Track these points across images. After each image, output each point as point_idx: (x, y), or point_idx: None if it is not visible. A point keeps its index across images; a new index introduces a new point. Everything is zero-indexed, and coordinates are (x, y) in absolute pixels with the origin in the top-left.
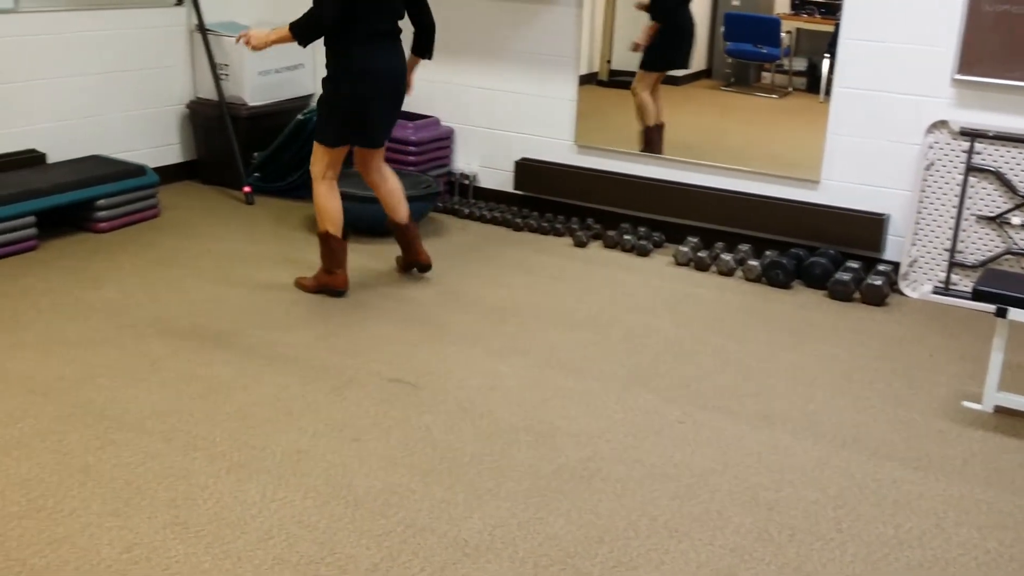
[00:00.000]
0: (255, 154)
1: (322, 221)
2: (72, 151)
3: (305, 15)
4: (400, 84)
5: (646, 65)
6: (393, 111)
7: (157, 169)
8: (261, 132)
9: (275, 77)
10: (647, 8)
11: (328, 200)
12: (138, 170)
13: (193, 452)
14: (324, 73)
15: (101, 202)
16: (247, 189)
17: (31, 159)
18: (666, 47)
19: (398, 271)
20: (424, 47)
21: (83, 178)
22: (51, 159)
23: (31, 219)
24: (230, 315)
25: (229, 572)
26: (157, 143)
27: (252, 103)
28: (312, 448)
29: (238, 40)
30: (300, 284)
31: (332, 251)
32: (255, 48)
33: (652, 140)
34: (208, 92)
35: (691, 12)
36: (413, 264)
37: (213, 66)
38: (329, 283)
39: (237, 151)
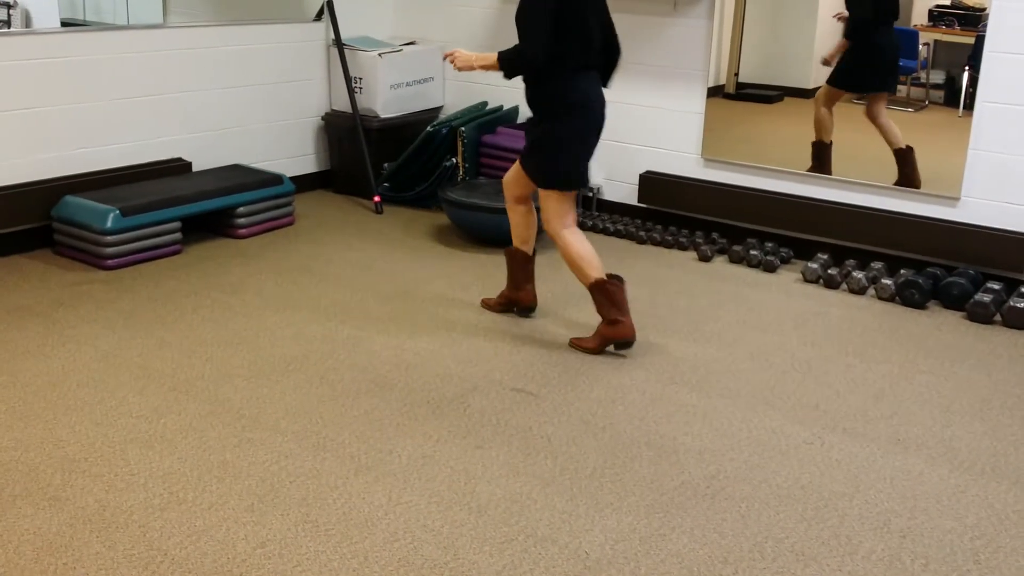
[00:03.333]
0: (385, 165)
1: (586, 271)
2: (215, 160)
3: (514, 49)
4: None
5: (830, 80)
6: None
7: (293, 178)
8: (392, 143)
9: (406, 90)
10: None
11: (580, 245)
12: (276, 179)
13: (323, 453)
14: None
15: (241, 209)
16: (377, 199)
17: (178, 167)
18: (854, 66)
19: (493, 308)
20: (607, 76)
21: (225, 186)
22: (196, 167)
23: (177, 224)
24: (357, 321)
25: (356, 571)
26: (294, 153)
27: (384, 115)
28: (436, 453)
29: (445, 58)
30: (579, 346)
31: (610, 296)
32: (460, 68)
33: (820, 156)
34: (343, 104)
35: (893, 32)
36: (517, 301)
37: (348, 79)
38: (616, 335)
39: (368, 162)
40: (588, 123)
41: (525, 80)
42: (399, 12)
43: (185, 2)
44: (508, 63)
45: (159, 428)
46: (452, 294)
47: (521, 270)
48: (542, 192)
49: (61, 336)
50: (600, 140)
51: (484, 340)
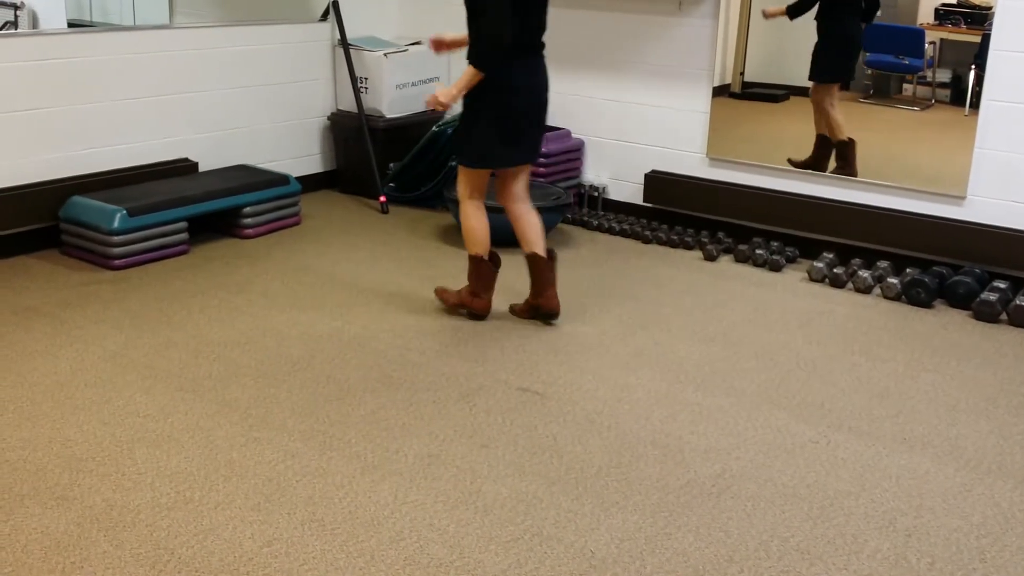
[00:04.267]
0: (391, 165)
1: (471, 243)
2: (221, 160)
3: (480, 42)
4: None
5: (810, 77)
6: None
7: (299, 178)
8: (397, 143)
9: (411, 90)
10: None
11: (476, 220)
12: (282, 179)
13: (330, 452)
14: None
15: (247, 209)
16: (382, 199)
17: (184, 168)
18: (816, 54)
19: (519, 315)
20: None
21: (231, 186)
22: (202, 168)
23: (183, 224)
24: (363, 320)
25: (362, 570)
26: (300, 153)
27: (389, 115)
28: (442, 453)
29: (429, 105)
30: (441, 296)
31: (481, 273)
32: (448, 105)
33: (845, 155)
34: (348, 104)
35: (851, 26)
36: (538, 308)
37: (354, 79)
38: (471, 305)
39: (374, 162)
40: (510, 105)
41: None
42: (404, 12)
43: (191, 3)
44: (481, 59)
45: (166, 428)
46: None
47: (540, 273)
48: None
49: (68, 336)
50: (542, 127)
51: (490, 340)
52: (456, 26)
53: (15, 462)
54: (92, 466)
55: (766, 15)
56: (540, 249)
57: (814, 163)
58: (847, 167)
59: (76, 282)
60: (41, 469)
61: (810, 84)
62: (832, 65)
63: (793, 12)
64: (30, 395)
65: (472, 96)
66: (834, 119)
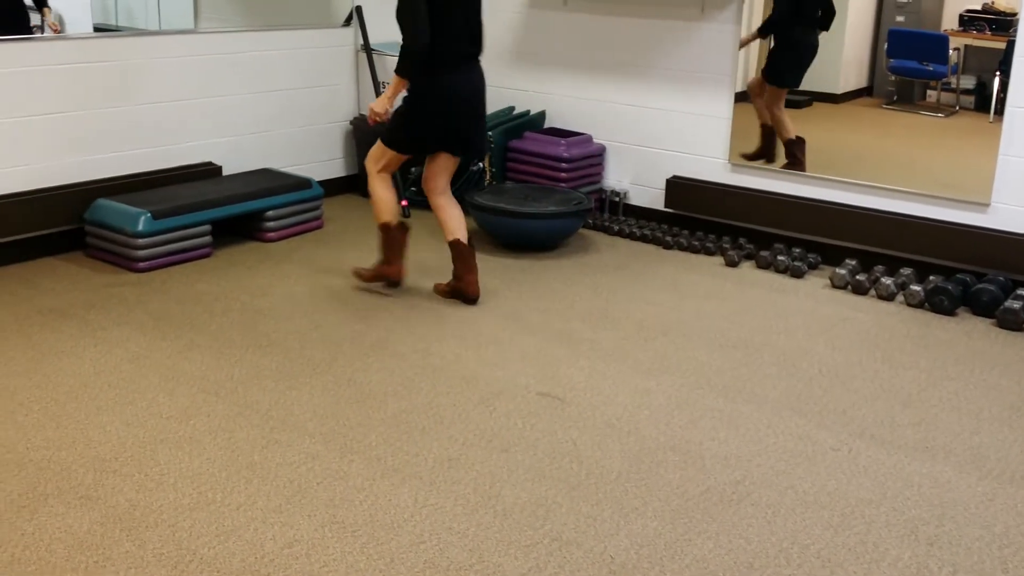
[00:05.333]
0: (412, 169)
1: (379, 212)
2: (244, 164)
3: (400, 51)
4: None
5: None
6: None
7: (321, 182)
8: None
9: None
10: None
11: (385, 191)
12: (305, 183)
13: (350, 455)
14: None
15: (270, 213)
16: (404, 203)
17: (208, 171)
18: (771, 56)
19: (441, 293)
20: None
21: (254, 190)
22: (226, 172)
23: (207, 228)
24: (384, 324)
25: (383, 573)
26: (322, 157)
27: None
28: (462, 456)
29: (372, 123)
30: (358, 275)
31: (390, 240)
32: (383, 114)
33: (794, 153)
34: None
35: (805, 34)
36: (459, 291)
37: (376, 84)
38: (387, 273)
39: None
40: (437, 109)
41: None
42: None
43: (216, 8)
44: (404, 65)
45: (189, 429)
46: (479, 298)
47: (462, 259)
48: (380, 144)
49: (93, 337)
50: (474, 129)
51: (509, 344)
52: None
53: (40, 462)
54: (115, 466)
55: (741, 45)
56: (463, 236)
57: (764, 152)
58: (797, 164)
59: (101, 284)
60: (65, 469)
61: (838, 91)
62: (786, 71)
63: (764, 32)
64: (55, 395)
65: (410, 94)
66: (781, 120)
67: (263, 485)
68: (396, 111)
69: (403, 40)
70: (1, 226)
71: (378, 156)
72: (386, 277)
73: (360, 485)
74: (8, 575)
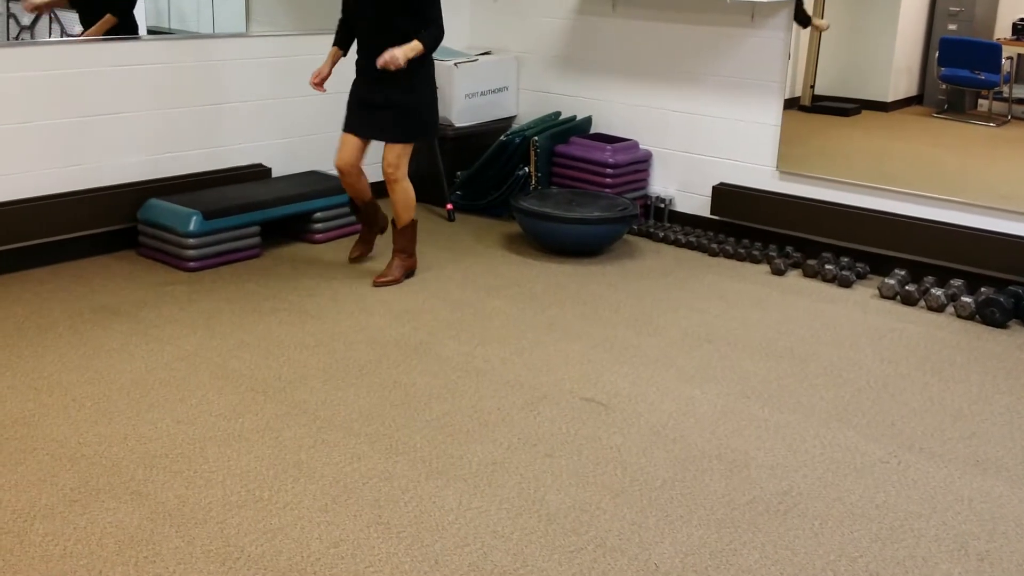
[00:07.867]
0: (459, 173)
1: (410, 212)
2: (294, 167)
3: (434, 31)
4: None
5: None
6: None
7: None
8: (466, 152)
9: (480, 100)
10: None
11: (413, 191)
12: None
13: (396, 456)
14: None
15: (318, 215)
16: (449, 206)
17: (258, 173)
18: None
19: (355, 258)
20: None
21: (303, 192)
22: (275, 173)
23: (256, 229)
24: (429, 326)
25: (427, 575)
26: (369, 161)
27: (458, 124)
28: (506, 460)
29: (382, 65)
30: (384, 282)
31: (415, 234)
32: (395, 64)
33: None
34: None
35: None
36: (375, 233)
37: None
38: (413, 266)
39: (442, 170)
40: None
41: (375, 40)
42: (475, 22)
43: (267, 12)
44: (431, 48)
45: (237, 427)
46: (522, 302)
47: (369, 216)
48: (406, 145)
49: (145, 335)
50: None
51: (554, 349)
52: (525, 37)
53: (92, 457)
54: (165, 463)
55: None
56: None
57: None
58: None
59: (152, 282)
60: (116, 465)
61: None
62: None
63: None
64: (107, 392)
65: (430, 78)
66: None
67: (310, 484)
68: (425, 101)
69: (438, 30)
70: (56, 224)
71: (403, 157)
72: (412, 269)
73: (405, 486)
74: (60, 568)
